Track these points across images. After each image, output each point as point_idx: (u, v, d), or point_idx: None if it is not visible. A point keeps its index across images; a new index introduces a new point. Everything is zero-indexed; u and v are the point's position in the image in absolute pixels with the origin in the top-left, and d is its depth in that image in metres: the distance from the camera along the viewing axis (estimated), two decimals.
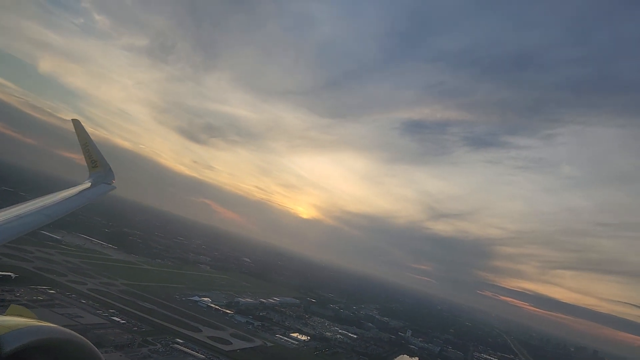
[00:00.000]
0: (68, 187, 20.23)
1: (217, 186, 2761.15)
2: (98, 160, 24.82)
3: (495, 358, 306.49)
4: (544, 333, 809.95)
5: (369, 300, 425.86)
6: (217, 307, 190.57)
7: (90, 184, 22.86)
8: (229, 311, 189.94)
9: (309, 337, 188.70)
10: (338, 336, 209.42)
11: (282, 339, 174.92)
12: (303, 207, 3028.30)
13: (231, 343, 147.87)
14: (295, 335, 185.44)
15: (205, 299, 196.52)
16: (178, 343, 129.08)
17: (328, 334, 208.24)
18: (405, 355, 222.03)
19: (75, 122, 24.96)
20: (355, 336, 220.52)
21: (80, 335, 4.89)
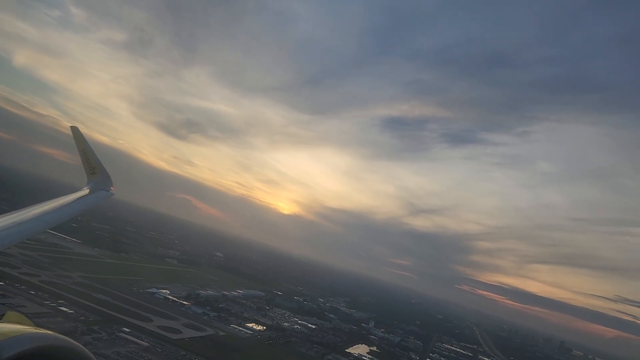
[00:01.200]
0: (66, 194, 20.62)
1: (198, 182, 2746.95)
2: (96, 167, 24.98)
3: (456, 347, 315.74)
4: (517, 326, 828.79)
5: (340, 294, 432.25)
6: (174, 298, 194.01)
7: (88, 190, 23.08)
8: (186, 303, 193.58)
9: (264, 327, 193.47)
10: (296, 327, 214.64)
11: (237, 328, 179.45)
12: (284, 202, 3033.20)
13: (181, 332, 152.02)
14: (250, 325, 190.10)
15: (164, 291, 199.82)
16: (124, 332, 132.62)
17: (286, 324, 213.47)
18: (363, 344, 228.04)
19: (74, 130, 25.27)
20: (314, 327, 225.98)
21: (77, 343, 4.98)
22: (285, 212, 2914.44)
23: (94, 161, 24.77)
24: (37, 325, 5.45)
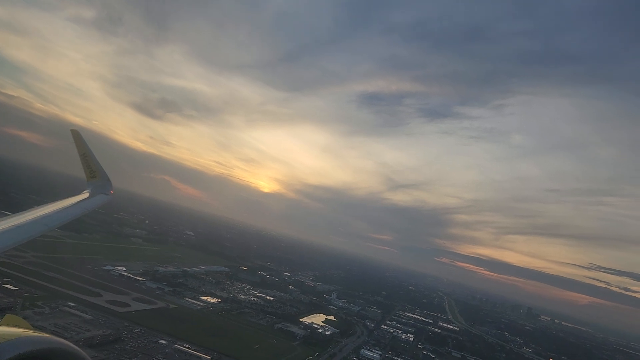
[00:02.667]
0: (65, 197, 21.16)
1: (176, 162, 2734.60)
2: (97, 170, 25.21)
3: (418, 315, 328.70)
4: (491, 295, 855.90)
5: (310, 269, 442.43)
6: (130, 275, 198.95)
7: (88, 193, 23.40)
8: (141, 279, 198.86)
9: (219, 300, 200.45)
10: (253, 299, 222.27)
11: (190, 302, 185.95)
12: (264, 181, 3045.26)
13: (129, 305, 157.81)
14: (205, 298, 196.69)
15: (120, 268, 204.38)
16: (68, 306, 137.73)
17: (243, 296, 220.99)
18: (320, 314, 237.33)
19: (75, 133, 25.35)
20: (272, 299, 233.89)
21: (75, 346, 4.99)
22: (266, 190, 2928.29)
23: (94, 165, 25.11)
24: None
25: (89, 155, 25.17)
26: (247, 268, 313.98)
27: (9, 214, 15.47)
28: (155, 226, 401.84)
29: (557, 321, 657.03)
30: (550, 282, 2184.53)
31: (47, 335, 4.70)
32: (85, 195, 22.73)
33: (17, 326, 5.32)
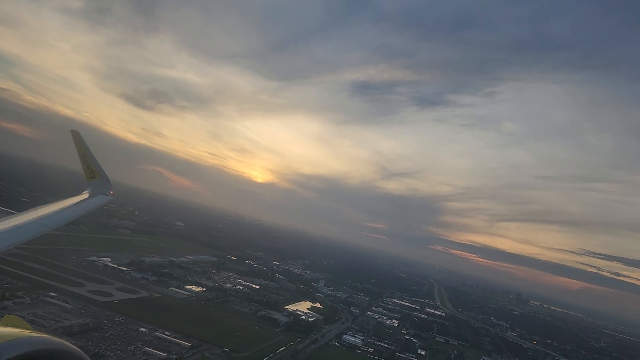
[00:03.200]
0: (66, 198, 21.37)
1: (168, 153, 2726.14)
2: (96, 171, 25.34)
3: (406, 302, 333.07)
4: (483, 281, 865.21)
5: (301, 258, 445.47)
6: (115, 265, 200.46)
7: (88, 194, 23.47)
8: (126, 269, 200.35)
9: (204, 289, 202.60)
10: (238, 287, 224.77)
11: (174, 291, 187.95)
12: (257, 171, 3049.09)
13: (112, 295, 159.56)
14: (190, 287, 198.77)
15: (105, 258, 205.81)
16: (49, 296, 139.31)
17: (228, 285, 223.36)
18: (306, 302, 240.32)
19: (74, 133, 25.44)
20: (258, 287, 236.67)
21: (75, 346, 4.97)
22: (259, 180, 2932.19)
23: (93, 165, 25.25)
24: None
25: (89, 155, 25.41)
26: (236, 257, 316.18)
27: (10, 212, 15.89)
28: (144, 217, 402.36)
29: (546, 306, 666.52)
30: (542, 268, 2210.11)
31: (47, 335, 4.73)
32: (85, 195, 22.99)
33: (16, 327, 5.32)
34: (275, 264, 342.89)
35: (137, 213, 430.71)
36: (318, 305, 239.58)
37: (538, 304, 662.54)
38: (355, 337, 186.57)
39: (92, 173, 25.37)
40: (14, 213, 16.62)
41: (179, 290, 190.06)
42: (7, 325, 5.33)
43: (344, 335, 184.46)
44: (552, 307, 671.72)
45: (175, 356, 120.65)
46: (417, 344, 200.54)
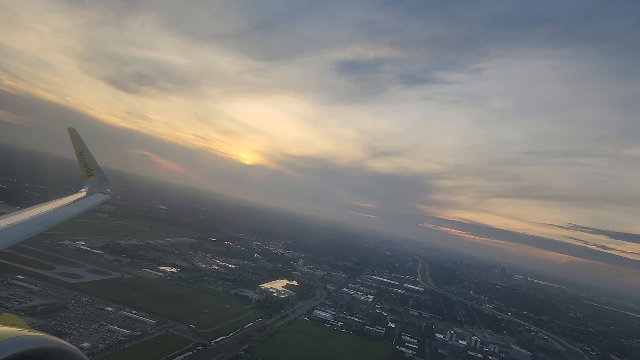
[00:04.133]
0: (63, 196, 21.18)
1: (154, 136, 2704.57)
2: (94, 169, 25.46)
3: (386, 279, 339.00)
4: (471, 258, 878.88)
5: (284, 238, 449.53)
6: (88, 248, 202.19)
7: (85, 192, 23.56)
8: (99, 252, 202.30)
9: (178, 269, 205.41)
10: (214, 267, 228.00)
11: (147, 272, 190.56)
12: (245, 153, 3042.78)
13: (82, 277, 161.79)
14: (164, 268, 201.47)
15: (79, 242, 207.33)
16: (17, 279, 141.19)
17: (204, 265, 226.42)
18: (283, 280, 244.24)
19: (72, 131, 25.37)
20: (234, 267, 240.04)
21: (72, 345, 4.92)
22: (247, 162, 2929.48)
23: (91, 163, 25.39)
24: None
25: (86, 153, 25.45)
26: (216, 239, 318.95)
27: (6, 213, 15.61)
28: (125, 201, 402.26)
29: (529, 279, 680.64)
30: (530, 243, 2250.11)
31: (44, 334, 4.70)
32: (82, 193, 23.16)
33: (13, 325, 5.32)
34: (257, 244, 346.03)
35: (118, 197, 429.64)
36: (294, 283, 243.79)
37: (522, 277, 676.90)
38: (326, 312, 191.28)
39: (90, 171, 25.59)
40: (11, 212, 16.23)
41: (152, 271, 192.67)
42: (3, 324, 5.32)
43: (315, 311, 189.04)
44: (535, 281, 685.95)
45: (139, 333, 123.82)
46: (388, 318, 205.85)
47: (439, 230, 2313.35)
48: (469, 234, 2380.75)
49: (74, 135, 25.44)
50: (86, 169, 25.77)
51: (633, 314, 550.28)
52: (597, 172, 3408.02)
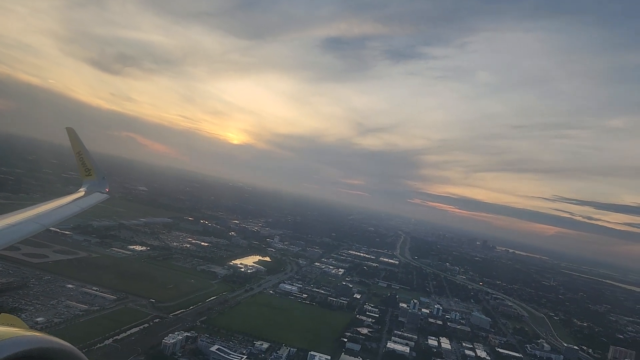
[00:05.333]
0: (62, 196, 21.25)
1: (140, 118, 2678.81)
2: (92, 168, 25.51)
3: (362, 253, 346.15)
4: (458, 231, 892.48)
5: (265, 216, 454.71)
6: (57, 230, 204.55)
7: (84, 192, 23.61)
8: (68, 232, 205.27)
9: (147, 248, 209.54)
10: (186, 245, 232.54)
11: (115, 251, 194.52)
12: (233, 133, 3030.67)
13: (47, 257, 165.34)
14: (133, 247, 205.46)
15: None
16: None
17: (175, 244, 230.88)
18: (255, 256, 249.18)
19: (70, 131, 25.25)
20: (207, 244, 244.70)
21: (71, 345, 4.87)
22: (236, 142, 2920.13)
23: (89, 163, 25.48)
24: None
25: (84, 153, 25.56)
26: (193, 218, 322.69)
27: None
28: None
29: (511, 251, 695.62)
30: (518, 216, 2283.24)
31: (43, 334, 4.68)
32: (81, 193, 23.23)
33: (12, 325, 5.25)
34: (235, 222, 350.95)
35: None
36: (267, 259, 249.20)
37: (503, 249, 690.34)
38: (292, 285, 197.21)
39: (88, 171, 25.64)
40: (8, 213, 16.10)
41: (120, 250, 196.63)
42: (2, 324, 5.23)
43: (281, 284, 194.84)
44: (517, 252, 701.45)
45: (97, 308, 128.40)
46: (354, 289, 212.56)
47: (427, 206, 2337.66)
48: (458, 209, 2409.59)
49: (72, 134, 25.39)
50: (85, 169, 25.71)
51: (609, 282, 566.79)
52: (582, 144, 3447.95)
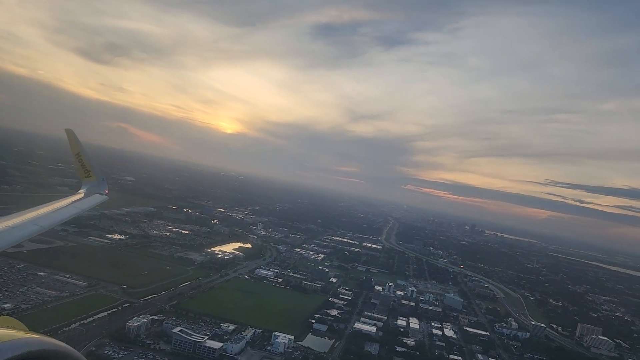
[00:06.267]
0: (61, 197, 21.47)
1: (132, 108, 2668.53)
2: (91, 170, 25.37)
3: (346, 239, 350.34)
4: (448, 217, 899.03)
5: (253, 204, 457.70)
6: None
7: (83, 193, 23.53)
8: None
9: (126, 237, 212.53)
10: (165, 234, 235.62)
11: (93, 239, 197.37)
12: (225, 122, 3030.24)
13: (22, 246, 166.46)
14: (112, 236, 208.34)
15: None
16: None
17: (155, 232, 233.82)
18: (236, 243, 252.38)
19: (69, 132, 25.11)
20: (188, 232, 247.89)
21: (71, 348, 4.87)
22: (228, 131, 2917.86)
23: (88, 164, 25.33)
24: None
25: (83, 154, 25.47)
26: (177, 207, 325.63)
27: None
28: None
29: (499, 235, 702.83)
30: (511, 201, 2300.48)
31: (42, 336, 4.60)
32: (80, 195, 23.23)
33: (12, 328, 5.28)
34: (221, 211, 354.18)
35: None
36: (248, 246, 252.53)
37: (492, 233, 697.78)
38: (269, 270, 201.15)
39: (87, 172, 25.55)
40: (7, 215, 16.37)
41: (98, 239, 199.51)
42: (2, 327, 5.27)
43: (257, 269, 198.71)
44: (505, 236, 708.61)
45: (66, 294, 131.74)
46: (330, 273, 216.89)
47: (421, 192, 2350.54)
48: (451, 194, 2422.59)
49: (71, 136, 25.35)
50: (84, 170, 25.64)
51: (596, 263, 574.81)
52: (574, 128, 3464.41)
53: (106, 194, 25.29)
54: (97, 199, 23.97)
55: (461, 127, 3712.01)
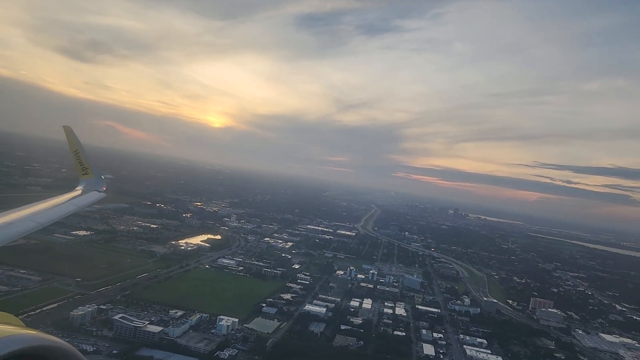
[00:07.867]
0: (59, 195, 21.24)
1: (118, 106, 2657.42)
2: (89, 167, 25.97)
3: (321, 227, 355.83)
4: (435, 202, 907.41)
5: (232, 197, 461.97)
6: None
7: (81, 190, 23.80)
8: None
9: (91, 232, 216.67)
10: (133, 228, 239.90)
11: (57, 236, 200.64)
12: (213, 116, 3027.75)
13: None
14: (76, 232, 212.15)
15: None
16: None
17: (122, 227, 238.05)
18: (205, 235, 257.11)
19: (67, 129, 25.63)
20: (156, 227, 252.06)
21: (68, 344, 4.90)
22: (216, 125, 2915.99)
23: (86, 162, 25.99)
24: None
25: (81, 152, 26.14)
26: (151, 202, 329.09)
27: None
28: (67, 173, 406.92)
29: (482, 217, 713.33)
30: (501, 184, 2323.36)
31: (40, 333, 4.65)
32: (77, 192, 23.51)
33: (9, 324, 5.08)
34: (197, 204, 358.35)
35: (63, 170, 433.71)
36: (217, 237, 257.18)
37: (475, 216, 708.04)
38: (231, 259, 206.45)
39: (85, 170, 26.29)
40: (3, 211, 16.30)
41: (63, 236, 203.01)
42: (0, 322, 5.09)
43: (220, 259, 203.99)
44: (488, 219, 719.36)
45: (18, 288, 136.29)
46: (293, 260, 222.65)
47: (411, 179, 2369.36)
48: (441, 180, 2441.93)
49: (69, 133, 25.85)
50: (82, 168, 26.32)
51: (576, 242, 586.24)
52: (559, 109, 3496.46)
53: (104, 192, 25.73)
54: (94, 196, 24.40)
55: (449, 113, 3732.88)
